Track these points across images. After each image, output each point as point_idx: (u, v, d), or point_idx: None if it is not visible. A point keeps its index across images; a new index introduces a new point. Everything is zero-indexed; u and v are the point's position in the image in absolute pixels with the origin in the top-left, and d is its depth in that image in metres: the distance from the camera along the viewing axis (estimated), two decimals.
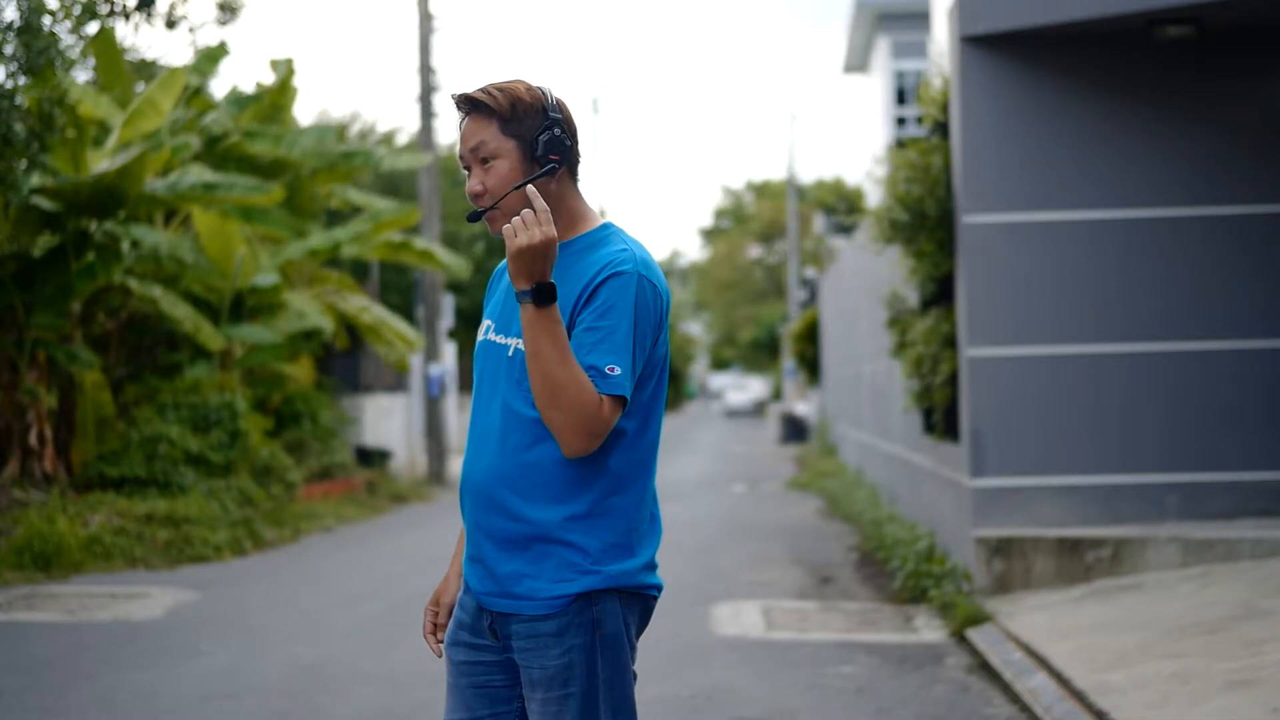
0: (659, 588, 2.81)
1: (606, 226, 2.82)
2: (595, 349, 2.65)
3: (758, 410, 59.83)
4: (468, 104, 2.76)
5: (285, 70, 16.46)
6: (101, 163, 12.87)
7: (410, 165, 18.50)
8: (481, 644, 2.82)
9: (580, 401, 2.60)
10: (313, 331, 15.51)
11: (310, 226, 16.70)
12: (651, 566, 2.80)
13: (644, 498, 2.78)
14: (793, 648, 7.61)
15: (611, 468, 2.73)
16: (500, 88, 2.76)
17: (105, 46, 14.09)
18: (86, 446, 13.00)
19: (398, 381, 20.85)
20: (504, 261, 2.90)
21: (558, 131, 2.75)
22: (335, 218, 20.29)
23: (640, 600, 2.79)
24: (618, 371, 2.63)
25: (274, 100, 16.39)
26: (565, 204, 2.80)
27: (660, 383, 2.80)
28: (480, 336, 2.88)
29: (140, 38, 28.93)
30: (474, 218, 2.78)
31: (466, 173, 2.79)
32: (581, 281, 2.71)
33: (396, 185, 26.60)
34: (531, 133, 2.74)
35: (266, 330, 14.84)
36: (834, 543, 12.40)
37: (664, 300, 2.78)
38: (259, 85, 16.70)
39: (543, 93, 2.77)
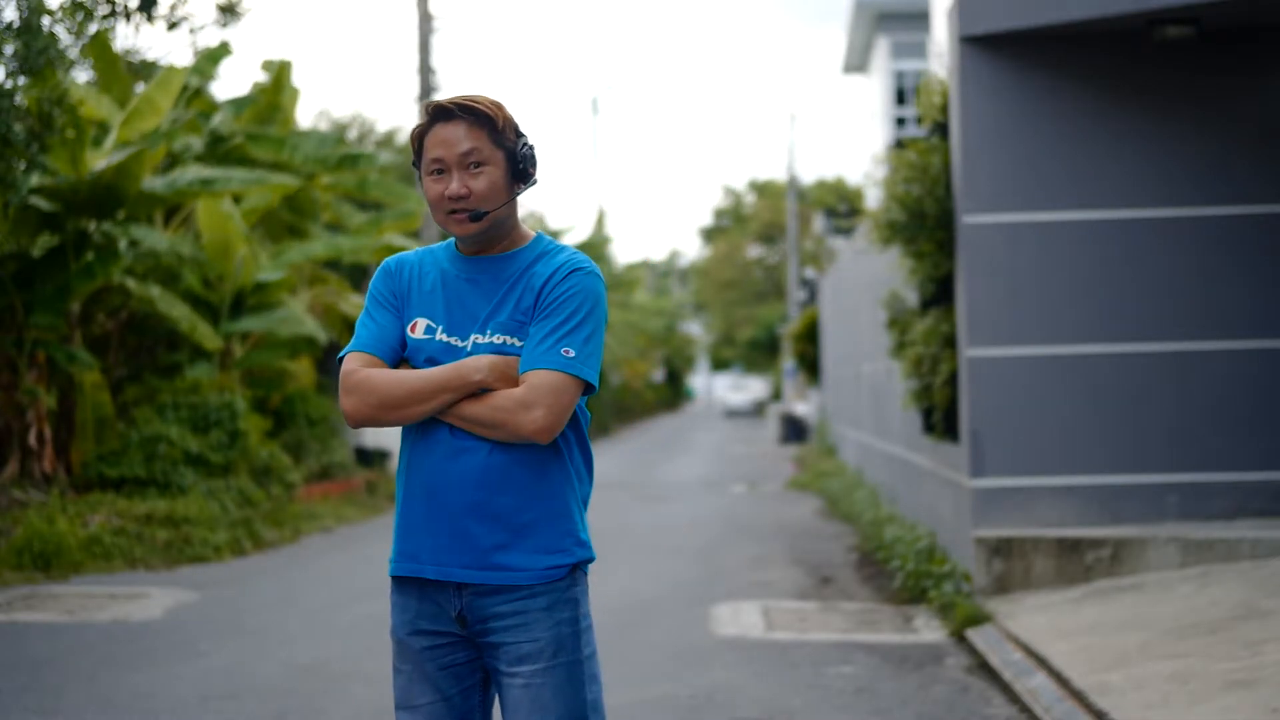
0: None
1: (544, 237, 3.08)
2: (558, 333, 2.88)
3: (757, 410, 59.79)
4: (462, 110, 2.92)
5: (279, 70, 16.43)
6: (100, 163, 12.87)
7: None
8: (443, 629, 2.96)
9: (498, 419, 2.85)
10: (311, 337, 15.50)
11: (311, 227, 16.70)
12: None
13: (592, 473, 3.05)
14: (792, 648, 7.61)
15: (585, 445, 3.01)
16: (489, 100, 2.95)
17: (101, 49, 14.06)
18: (86, 446, 13.00)
19: None
20: (406, 253, 3.09)
21: (533, 148, 2.98)
22: (333, 227, 20.32)
23: (586, 580, 3.03)
24: (572, 354, 2.87)
25: (270, 100, 16.37)
26: (516, 216, 3.03)
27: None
28: (418, 334, 2.97)
29: (141, 38, 28.92)
30: (478, 218, 2.93)
31: (437, 174, 2.93)
32: (543, 276, 2.94)
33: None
34: (512, 146, 2.95)
35: (266, 320, 14.80)
36: (834, 543, 12.40)
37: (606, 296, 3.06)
38: (255, 85, 16.68)
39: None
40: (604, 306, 2.95)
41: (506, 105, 2.97)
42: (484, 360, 2.87)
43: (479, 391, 2.87)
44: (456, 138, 2.90)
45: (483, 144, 2.91)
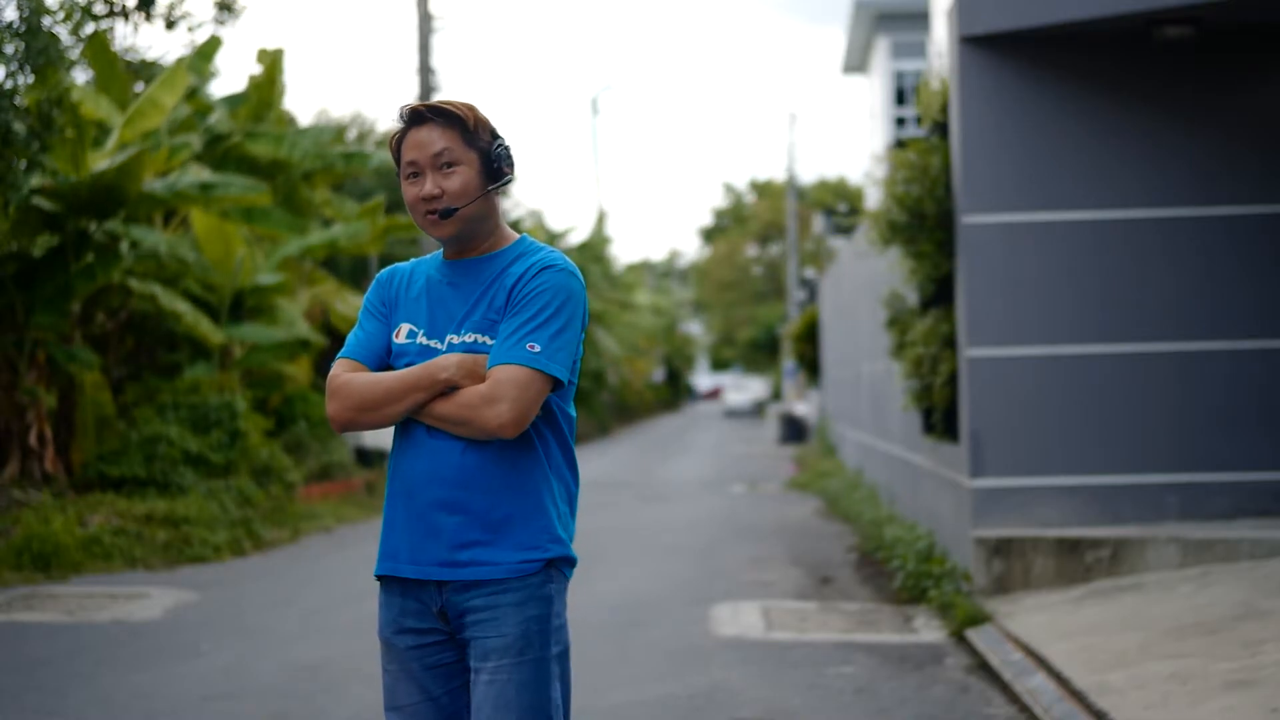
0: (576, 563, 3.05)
1: (526, 238, 3.08)
2: (525, 328, 2.90)
3: (757, 411, 59.78)
4: (434, 113, 2.97)
5: (272, 62, 16.38)
6: (101, 163, 12.86)
7: None
8: (427, 627, 2.98)
9: (464, 416, 2.87)
10: (308, 339, 15.51)
11: (309, 226, 16.69)
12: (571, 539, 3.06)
13: (577, 472, 3.05)
14: (792, 648, 7.61)
15: (566, 444, 3.01)
16: (461, 103, 2.99)
17: (99, 49, 14.04)
18: (86, 446, 12.99)
19: None
20: (400, 264, 3.14)
21: (508, 148, 3.01)
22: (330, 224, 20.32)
23: (565, 580, 3.02)
24: (537, 349, 2.88)
25: (262, 96, 16.34)
26: (498, 215, 3.05)
27: (578, 365, 3.07)
28: (401, 339, 3.02)
29: (140, 38, 28.89)
30: (448, 214, 2.96)
31: (412, 177, 2.98)
32: (516, 275, 2.96)
33: (395, 183, 26.62)
34: (486, 147, 2.98)
35: (267, 329, 14.83)
36: (833, 543, 12.40)
37: (585, 294, 3.06)
38: (251, 79, 16.63)
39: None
40: (578, 303, 2.96)
41: (480, 107, 3.00)
42: (452, 359, 2.92)
43: (450, 390, 2.90)
44: (429, 140, 2.96)
45: (455, 144, 2.95)
